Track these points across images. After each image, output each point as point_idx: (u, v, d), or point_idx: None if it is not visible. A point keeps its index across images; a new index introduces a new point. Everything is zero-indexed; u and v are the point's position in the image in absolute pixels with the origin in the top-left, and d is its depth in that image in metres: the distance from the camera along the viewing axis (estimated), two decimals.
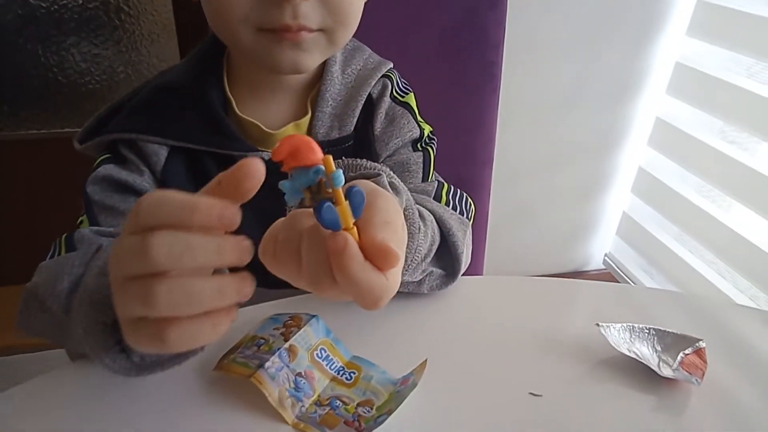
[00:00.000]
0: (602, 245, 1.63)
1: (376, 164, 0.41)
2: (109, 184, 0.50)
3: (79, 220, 0.50)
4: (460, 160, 0.74)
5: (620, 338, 0.42)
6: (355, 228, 0.27)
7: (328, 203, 0.26)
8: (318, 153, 0.27)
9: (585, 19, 1.23)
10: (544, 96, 1.30)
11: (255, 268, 0.29)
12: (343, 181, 0.27)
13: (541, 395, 0.40)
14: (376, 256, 0.26)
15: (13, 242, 1.65)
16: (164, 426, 0.36)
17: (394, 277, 0.28)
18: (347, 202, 0.26)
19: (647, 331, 0.43)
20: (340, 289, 0.27)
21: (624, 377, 0.41)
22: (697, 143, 1.30)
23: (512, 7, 0.72)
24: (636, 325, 0.43)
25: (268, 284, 0.32)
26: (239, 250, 0.27)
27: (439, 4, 0.71)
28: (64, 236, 0.47)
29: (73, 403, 0.38)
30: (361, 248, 0.26)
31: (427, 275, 0.48)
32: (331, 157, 0.26)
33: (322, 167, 0.26)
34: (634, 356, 0.42)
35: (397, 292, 0.42)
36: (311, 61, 0.48)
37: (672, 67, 1.36)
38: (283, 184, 0.27)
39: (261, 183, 0.27)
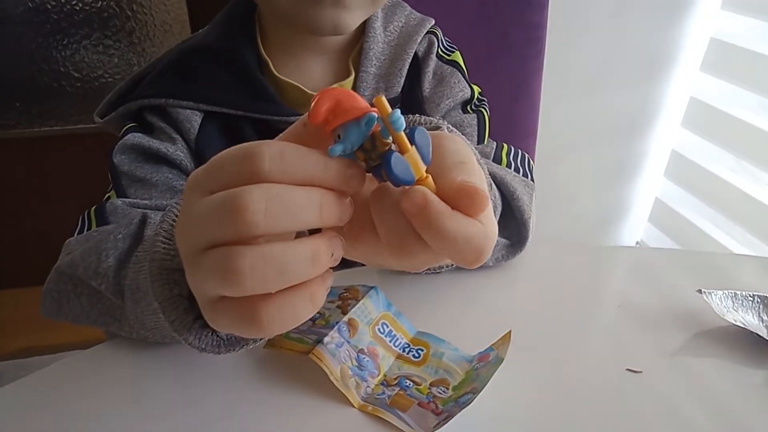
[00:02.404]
0: (633, 232, 1.57)
1: (431, 118, 0.36)
2: (138, 153, 0.45)
3: (106, 196, 0.46)
4: (503, 130, 0.69)
5: (723, 306, 0.37)
6: (429, 177, 0.22)
7: (395, 153, 0.21)
8: (363, 100, 0.22)
9: None
10: (574, 74, 1.24)
11: None
12: (402, 122, 0.21)
13: (640, 371, 0.34)
14: (462, 201, 0.22)
15: (25, 242, 1.63)
16: (213, 412, 0.31)
17: (490, 221, 0.23)
18: (413, 147, 0.22)
19: (751, 299, 0.38)
20: (432, 252, 0.23)
21: (730, 348, 0.36)
22: (733, 121, 1.25)
23: None
24: (739, 293, 0.38)
25: None
26: (342, 207, 0.22)
27: None
28: (93, 208, 0.42)
29: (113, 383, 0.34)
30: (441, 198, 0.22)
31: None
32: (383, 97, 0.21)
33: (374, 115, 0.22)
34: (740, 325, 0.36)
35: (457, 266, 0.37)
36: (353, 20, 0.44)
37: (707, 43, 1.30)
38: (334, 150, 0.22)
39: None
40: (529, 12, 0.66)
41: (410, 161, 0.21)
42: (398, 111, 0.21)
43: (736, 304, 0.38)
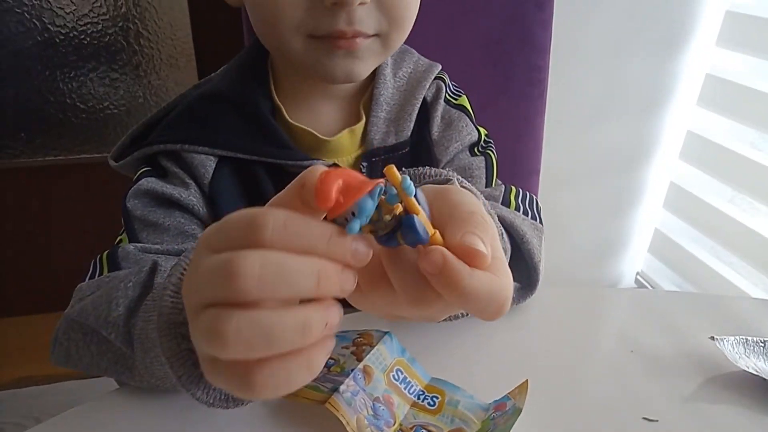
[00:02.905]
0: (634, 263, 1.58)
1: (441, 170, 0.37)
2: (151, 198, 0.46)
3: (118, 239, 0.46)
4: (508, 169, 0.70)
5: (735, 352, 0.37)
6: (437, 232, 0.23)
7: (412, 218, 0.22)
8: (364, 177, 0.22)
9: (613, 29, 1.21)
10: (574, 109, 1.27)
11: None
12: (413, 189, 0.22)
13: (656, 420, 0.34)
14: (466, 258, 0.22)
15: (26, 270, 1.63)
16: None
17: (505, 273, 0.24)
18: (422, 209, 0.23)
19: (762, 344, 0.38)
20: (446, 302, 0.23)
21: (744, 395, 0.36)
22: (730, 154, 1.27)
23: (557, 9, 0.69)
24: (750, 338, 0.39)
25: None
26: (343, 278, 0.22)
27: (482, 6, 0.68)
28: (105, 253, 0.43)
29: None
30: (450, 249, 0.22)
31: None
32: (393, 167, 0.22)
33: (382, 185, 0.22)
34: (753, 371, 0.36)
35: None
36: (365, 68, 0.45)
37: (702, 78, 1.34)
38: (353, 228, 0.22)
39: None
40: (532, 55, 0.68)
41: (423, 221, 0.22)
42: (407, 177, 0.22)
43: (747, 350, 0.38)
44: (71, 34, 1.41)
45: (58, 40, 1.40)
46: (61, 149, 1.52)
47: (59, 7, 1.39)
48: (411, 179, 0.29)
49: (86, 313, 0.37)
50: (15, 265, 1.61)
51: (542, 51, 0.69)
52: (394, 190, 0.22)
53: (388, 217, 0.22)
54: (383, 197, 0.22)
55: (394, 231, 0.22)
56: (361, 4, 0.39)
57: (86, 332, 0.37)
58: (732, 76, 1.26)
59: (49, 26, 1.39)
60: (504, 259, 0.25)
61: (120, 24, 1.43)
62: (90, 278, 0.42)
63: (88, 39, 1.42)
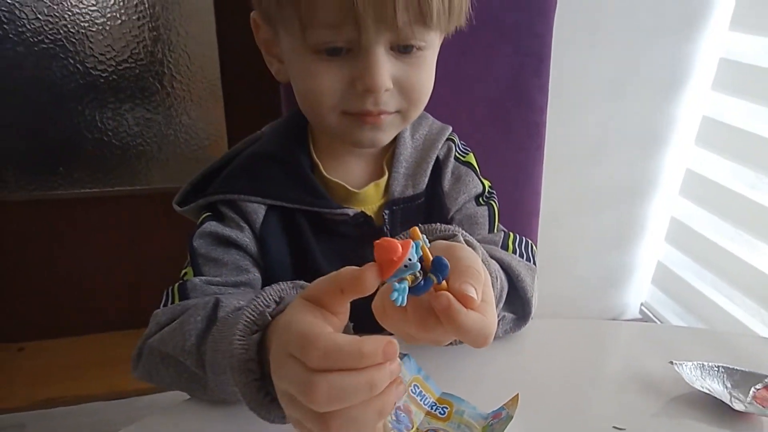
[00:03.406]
0: (638, 294, 1.63)
1: (449, 226, 0.46)
2: (213, 239, 0.55)
3: (183, 272, 0.55)
4: (510, 212, 0.79)
5: (693, 375, 0.45)
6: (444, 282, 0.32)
7: (441, 258, 0.31)
8: (399, 248, 0.29)
9: (612, 72, 1.30)
10: (576, 146, 1.36)
11: (357, 320, 0.35)
12: (447, 269, 0.31)
13: (624, 429, 0.42)
14: (461, 301, 0.32)
15: (54, 296, 1.71)
16: None
17: (492, 314, 0.33)
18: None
19: (716, 369, 0.46)
20: (443, 329, 0.32)
21: (700, 412, 0.44)
22: (728, 192, 1.34)
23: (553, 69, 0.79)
24: (706, 363, 0.46)
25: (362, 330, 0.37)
26: (389, 381, 0.29)
27: (487, 74, 0.78)
28: (176, 285, 0.52)
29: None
30: (451, 292, 0.32)
31: (500, 320, 0.51)
32: (417, 228, 0.31)
33: (417, 242, 0.30)
34: (707, 392, 0.44)
35: None
36: (387, 137, 0.55)
37: (699, 120, 1.41)
38: (396, 298, 0.30)
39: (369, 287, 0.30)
40: (530, 114, 0.78)
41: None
42: (446, 263, 0.31)
43: (704, 374, 0.46)
44: (111, 78, 1.52)
45: (98, 83, 1.51)
46: (96, 182, 1.62)
47: (100, 54, 1.49)
48: (423, 232, 0.38)
49: (164, 342, 0.46)
50: (47, 290, 1.69)
51: (539, 111, 0.78)
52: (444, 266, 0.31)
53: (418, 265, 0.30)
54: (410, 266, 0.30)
55: (427, 273, 0.31)
56: (386, 90, 0.49)
57: (164, 357, 0.46)
58: (729, 119, 1.33)
59: (91, 70, 1.50)
60: (492, 304, 0.34)
61: (155, 69, 1.53)
62: (164, 305, 0.51)
63: (126, 82, 1.52)
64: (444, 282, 0.32)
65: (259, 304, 0.38)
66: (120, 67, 1.51)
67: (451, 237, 0.43)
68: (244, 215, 0.56)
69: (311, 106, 0.53)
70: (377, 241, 0.29)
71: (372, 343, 0.28)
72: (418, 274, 0.31)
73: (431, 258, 0.31)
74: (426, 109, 0.59)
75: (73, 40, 1.45)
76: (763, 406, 0.43)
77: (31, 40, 1.43)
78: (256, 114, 1.62)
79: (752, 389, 0.44)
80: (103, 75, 1.50)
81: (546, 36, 0.78)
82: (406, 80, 0.50)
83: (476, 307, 0.32)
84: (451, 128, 0.63)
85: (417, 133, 0.61)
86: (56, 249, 1.64)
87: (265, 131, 0.63)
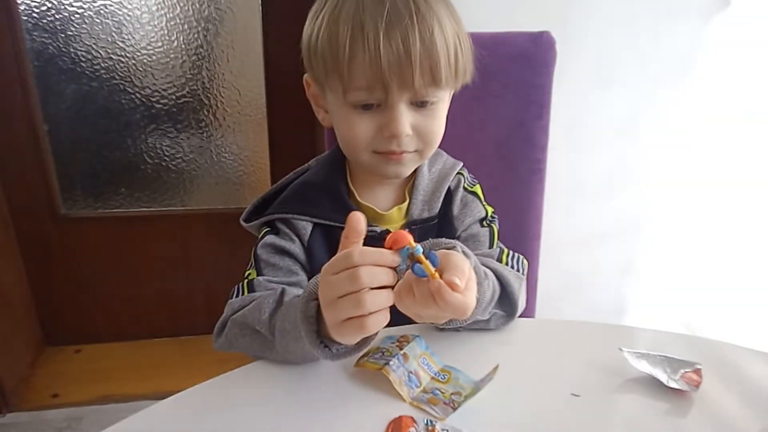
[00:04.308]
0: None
1: (451, 240, 0.61)
2: (272, 248, 0.71)
3: (247, 273, 0.71)
4: (514, 235, 0.93)
5: (638, 360, 0.59)
6: (437, 273, 0.48)
7: (417, 264, 0.48)
8: (407, 238, 0.49)
9: (616, 113, 1.44)
10: (585, 179, 1.50)
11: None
12: (421, 250, 0.49)
13: (579, 395, 0.56)
14: (450, 286, 0.48)
15: (111, 305, 1.88)
16: (331, 399, 0.55)
17: (471, 297, 0.50)
18: (428, 261, 0.48)
19: (658, 357, 0.59)
20: (438, 309, 0.48)
21: (642, 387, 0.57)
22: None
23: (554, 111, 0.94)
24: (651, 353, 0.59)
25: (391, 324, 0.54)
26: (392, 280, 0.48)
27: (494, 116, 0.93)
28: (245, 282, 0.68)
29: (266, 390, 0.57)
30: (443, 281, 0.48)
31: (492, 316, 0.66)
32: (411, 238, 0.49)
33: (409, 247, 0.48)
34: (647, 372, 0.58)
35: (472, 328, 0.62)
36: (408, 171, 0.71)
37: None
38: (399, 266, 0.49)
39: (362, 231, 0.49)
40: (532, 152, 0.92)
41: (425, 266, 0.48)
42: (419, 246, 0.48)
43: (648, 360, 0.59)
44: (170, 110, 1.71)
45: (160, 114, 1.70)
46: (152, 202, 1.80)
47: (162, 89, 1.69)
48: (431, 244, 0.53)
49: (245, 317, 0.62)
50: (103, 298, 1.86)
51: (541, 148, 0.93)
52: (419, 249, 0.48)
53: (408, 261, 0.48)
54: (412, 252, 0.48)
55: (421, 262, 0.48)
56: (406, 136, 0.65)
57: (243, 328, 0.62)
58: None
59: (154, 103, 1.70)
60: (473, 291, 0.51)
61: (209, 103, 1.72)
62: (236, 296, 0.67)
63: (183, 114, 1.72)
64: (438, 274, 0.48)
65: (312, 283, 0.54)
66: (179, 101, 1.71)
67: (452, 248, 0.58)
68: (296, 230, 0.72)
69: (349, 147, 0.69)
70: (392, 232, 0.48)
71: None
72: (414, 257, 0.48)
73: (422, 259, 0.48)
74: (442, 145, 0.75)
75: (140, 76, 1.65)
76: (688, 383, 0.56)
77: (104, 76, 1.64)
78: (295, 146, 1.81)
79: (682, 371, 0.57)
80: (164, 107, 1.70)
81: (546, 86, 0.92)
82: (423, 127, 0.66)
83: (460, 291, 0.48)
84: (462, 164, 0.79)
85: (433, 167, 0.77)
86: (114, 261, 1.82)
87: (312, 164, 0.80)
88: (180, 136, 1.75)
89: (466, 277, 0.49)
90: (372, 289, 0.47)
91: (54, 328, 1.86)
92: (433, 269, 0.48)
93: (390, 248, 0.49)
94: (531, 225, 0.96)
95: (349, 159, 0.74)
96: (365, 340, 0.55)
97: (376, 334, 0.54)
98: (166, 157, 1.77)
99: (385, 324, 0.48)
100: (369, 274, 0.46)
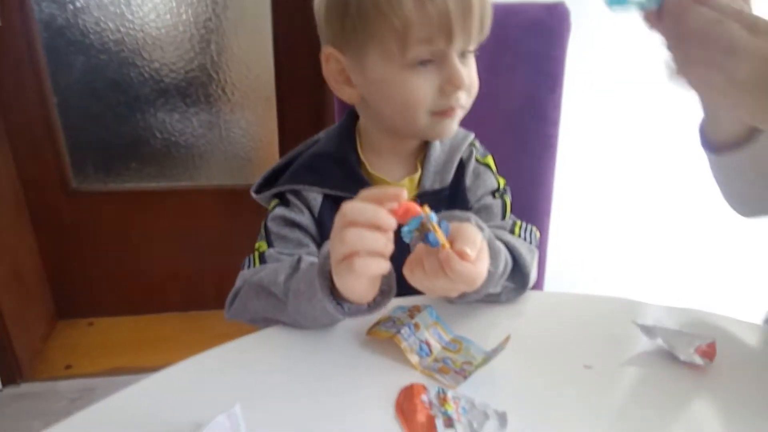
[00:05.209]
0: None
1: (466, 213, 0.60)
2: (282, 220, 0.71)
3: (257, 245, 0.71)
4: (524, 212, 0.92)
5: (651, 333, 0.58)
6: (448, 243, 0.48)
7: (431, 233, 0.47)
8: (418, 208, 0.48)
9: (631, 88, 1.42)
10: (597, 155, 1.48)
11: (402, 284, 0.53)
12: (435, 217, 0.48)
13: (591, 367, 0.56)
14: (460, 256, 0.48)
15: (122, 279, 1.90)
16: (342, 367, 0.55)
17: (481, 268, 0.50)
18: (441, 230, 0.48)
19: (672, 331, 0.59)
20: (448, 280, 0.48)
21: (654, 361, 0.57)
22: None
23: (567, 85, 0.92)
24: (664, 326, 0.59)
25: (400, 294, 0.57)
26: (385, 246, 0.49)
27: (507, 90, 0.92)
28: (257, 254, 0.68)
29: (279, 357, 0.57)
30: (454, 251, 0.48)
31: (504, 288, 0.65)
32: (426, 206, 0.48)
33: (423, 215, 0.48)
34: (661, 346, 0.57)
35: (484, 301, 0.61)
36: (456, 127, 0.70)
37: None
38: (403, 230, 0.49)
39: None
40: (545, 127, 0.91)
41: (438, 236, 0.47)
42: (433, 213, 0.48)
43: (662, 333, 0.58)
44: (180, 84, 1.70)
45: (169, 89, 1.70)
46: (162, 177, 1.81)
47: (172, 62, 1.68)
48: (446, 217, 0.53)
49: (261, 279, 0.62)
50: (115, 272, 1.88)
51: (553, 123, 0.92)
52: (433, 216, 0.47)
53: (418, 234, 0.48)
54: (425, 220, 0.47)
55: (426, 238, 0.48)
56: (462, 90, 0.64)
57: (257, 291, 0.62)
58: None
59: (163, 77, 1.69)
60: (484, 262, 0.51)
61: (218, 77, 1.71)
62: (248, 267, 0.67)
63: (192, 89, 1.71)
64: (449, 244, 0.48)
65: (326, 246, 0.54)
66: (188, 75, 1.70)
67: (466, 221, 0.57)
68: (306, 202, 0.71)
69: (407, 113, 0.65)
70: (403, 202, 0.48)
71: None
72: (423, 228, 0.48)
73: (436, 227, 0.48)
74: None
75: (149, 50, 1.65)
76: (702, 357, 0.56)
77: (113, 49, 1.63)
78: (304, 121, 1.79)
79: (696, 344, 0.56)
80: (173, 81, 1.69)
81: (560, 57, 0.91)
82: (469, 79, 0.65)
83: (471, 261, 0.48)
84: (473, 134, 0.78)
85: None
86: (125, 236, 1.84)
87: (321, 135, 0.79)
88: (189, 111, 1.75)
89: (477, 247, 0.49)
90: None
91: (66, 301, 1.89)
92: (444, 238, 0.48)
93: (401, 218, 0.48)
94: (541, 201, 0.95)
95: (401, 128, 0.70)
96: (377, 304, 0.55)
97: (387, 297, 0.55)
98: (175, 132, 1.77)
99: (379, 271, 0.49)
100: (356, 235, 0.47)
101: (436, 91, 0.64)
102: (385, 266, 0.49)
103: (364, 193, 0.50)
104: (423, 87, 0.63)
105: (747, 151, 0.63)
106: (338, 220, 0.49)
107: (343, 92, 0.70)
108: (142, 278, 1.91)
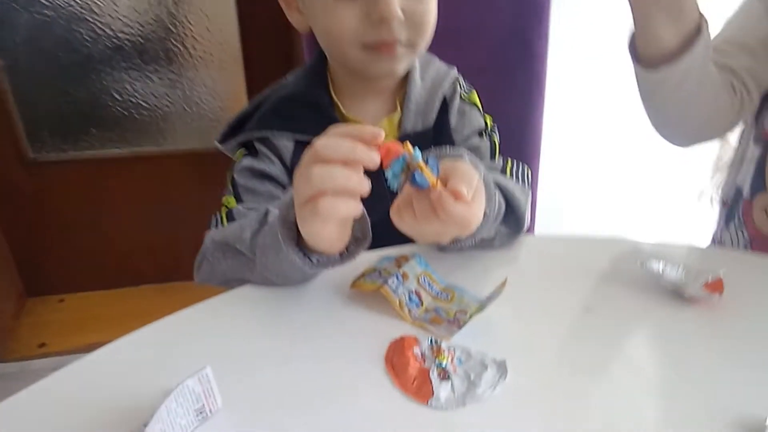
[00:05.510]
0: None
1: (457, 149, 0.55)
2: (250, 172, 0.65)
3: (224, 200, 0.64)
4: (512, 152, 0.87)
5: (655, 271, 0.54)
6: (439, 182, 0.42)
7: (417, 171, 0.42)
8: (401, 147, 0.42)
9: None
10: (586, 93, 1.43)
11: (381, 233, 0.47)
12: (420, 156, 0.42)
13: (593, 310, 0.52)
14: (455, 196, 0.42)
15: (91, 251, 1.82)
16: (324, 323, 0.50)
17: (477, 209, 0.44)
18: (428, 168, 0.42)
19: (677, 267, 0.55)
20: (441, 223, 0.43)
21: (659, 299, 0.53)
22: None
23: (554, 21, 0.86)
24: (668, 262, 0.55)
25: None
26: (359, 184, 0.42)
27: (491, 21, 0.85)
28: (224, 211, 0.61)
29: (254, 317, 0.52)
30: (448, 190, 0.42)
31: (497, 233, 0.60)
32: (408, 142, 0.42)
33: (407, 154, 0.42)
34: (667, 282, 0.53)
35: (475, 248, 0.56)
36: (401, 68, 0.63)
37: None
38: (388, 176, 0.43)
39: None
40: (531, 62, 0.85)
41: (426, 175, 0.42)
42: (417, 149, 0.42)
43: (666, 268, 0.54)
44: (136, 40, 1.58)
45: (125, 46, 1.58)
46: (125, 142, 1.71)
47: (125, 16, 1.56)
48: (435, 155, 0.47)
49: (226, 237, 0.56)
50: (84, 245, 1.79)
51: (540, 57, 0.86)
52: (418, 155, 0.42)
53: (404, 176, 0.42)
54: (409, 159, 0.42)
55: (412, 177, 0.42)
56: (397, 21, 0.57)
57: (224, 251, 0.57)
58: None
59: (117, 33, 1.57)
60: (480, 203, 0.45)
61: (177, 30, 1.59)
62: (215, 227, 0.61)
63: (150, 44, 1.59)
64: (439, 184, 0.43)
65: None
66: (144, 30, 1.58)
67: (459, 158, 0.52)
68: (276, 150, 0.65)
69: (335, 44, 0.61)
70: (385, 142, 0.42)
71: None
72: (409, 167, 0.42)
73: (423, 166, 0.42)
74: (436, 55, 0.67)
75: (100, 3, 1.51)
76: (711, 293, 0.52)
77: (59, 3, 1.50)
78: (274, 75, 1.69)
79: (703, 279, 0.52)
80: (129, 37, 1.57)
81: None
82: (413, 11, 0.58)
83: (466, 201, 0.42)
84: (455, 69, 0.71)
85: (426, 74, 0.69)
86: (92, 207, 1.74)
87: (289, 78, 0.72)
88: (147, 69, 1.64)
89: (473, 186, 0.44)
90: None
91: (35, 278, 1.81)
92: (434, 177, 0.42)
93: (382, 160, 0.42)
94: (530, 143, 0.90)
95: (337, 60, 0.66)
96: (350, 253, 0.50)
97: (361, 245, 0.50)
98: (135, 93, 1.66)
99: (349, 213, 0.43)
100: (327, 172, 0.41)
101: (362, 19, 0.57)
102: (355, 208, 0.43)
103: (336, 128, 0.43)
104: (346, 15, 0.57)
105: (681, 65, 0.63)
106: (306, 157, 0.43)
107: (293, 18, 0.65)
108: (114, 251, 1.83)
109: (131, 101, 1.65)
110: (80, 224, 1.76)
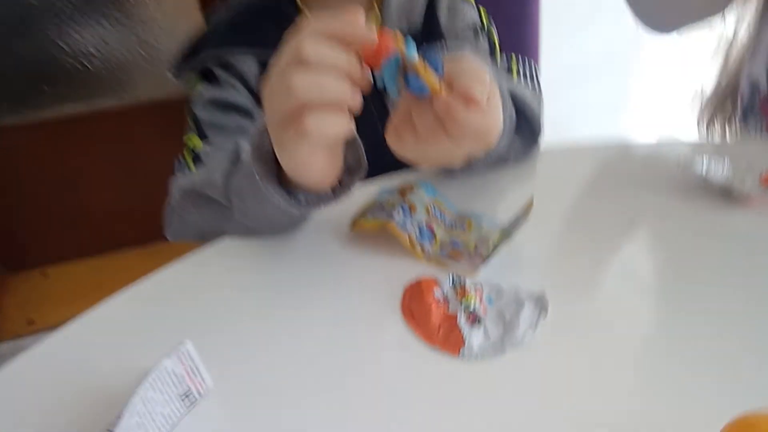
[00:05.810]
0: None
1: (457, 43, 0.45)
2: (213, 104, 0.55)
3: (187, 137, 0.55)
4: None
5: (700, 169, 0.47)
6: (444, 86, 0.32)
7: (412, 72, 0.31)
8: (392, 43, 0.31)
9: None
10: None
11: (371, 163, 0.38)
12: (415, 48, 0.31)
13: (636, 220, 0.44)
14: (466, 103, 0.32)
15: (68, 219, 1.73)
16: (324, 274, 0.42)
17: (496, 116, 0.34)
18: (428, 67, 0.32)
19: (724, 162, 0.47)
20: (451, 141, 0.33)
21: (709, 199, 0.46)
22: None
23: None
24: (713, 160, 0.47)
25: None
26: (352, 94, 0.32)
27: None
28: (188, 154, 0.52)
29: (238, 274, 0.44)
30: (456, 94, 0.32)
31: (511, 147, 0.52)
32: (398, 32, 0.32)
33: (397, 49, 0.31)
34: (716, 181, 0.46)
35: (488, 166, 0.48)
36: None
37: None
38: (380, 80, 0.32)
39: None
40: None
41: (425, 77, 0.31)
42: (410, 38, 0.31)
43: (713, 164, 0.47)
44: None
45: None
46: (81, 98, 1.58)
47: None
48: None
49: (195, 184, 0.47)
50: (59, 213, 1.70)
51: None
52: (412, 50, 0.32)
53: (400, 80, 0.32)
54: (403, 59, 0.32)
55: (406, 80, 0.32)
56: None
57: (194, 200, 0.48)
58: None
59: None
60: (498, 107, 0.35)
61: None
62: (179, 172, 0.52)
63: None
64: (446, 88, 0.33)
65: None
66: None
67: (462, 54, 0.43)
68: (238, 74, 0.55)
69: None
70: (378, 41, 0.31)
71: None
72: (405, 68, 0.32)
73: (421, 65, 0.32)
74: None
75: None
76: (766, 187, 0.45)
77: None
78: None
79: (757, 172, 0.45)
80: None
81: None
82: None
83: (481, 107, 0.32)
84: None
85: None
86: (58, 173, 1.63)
87: None
88: (94, 14, 1.48)
89: (486, 86, 0.33)
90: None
91: (12, 252, 1.72)
92: (436, 80, 0.32)
93: (370, 62, 0.32)
94: (528, 39, 0.80)
95: None
96: (344, 187, 0.41)
97: (356, 174, 0.40)
98: (83, 42, 1.52)
99: (341, 132, 0.33)
100: (313, 80, 0.31)
101: None
102: (349, 125, 0.33)
103: (308, 22, 0.33)
104: None
105: None
106: (281, 61, 0.33)
107: None
108: (89, 217, 1.73)
109: (81, 51, 1.51)
110: (50, 192, 1.66)
